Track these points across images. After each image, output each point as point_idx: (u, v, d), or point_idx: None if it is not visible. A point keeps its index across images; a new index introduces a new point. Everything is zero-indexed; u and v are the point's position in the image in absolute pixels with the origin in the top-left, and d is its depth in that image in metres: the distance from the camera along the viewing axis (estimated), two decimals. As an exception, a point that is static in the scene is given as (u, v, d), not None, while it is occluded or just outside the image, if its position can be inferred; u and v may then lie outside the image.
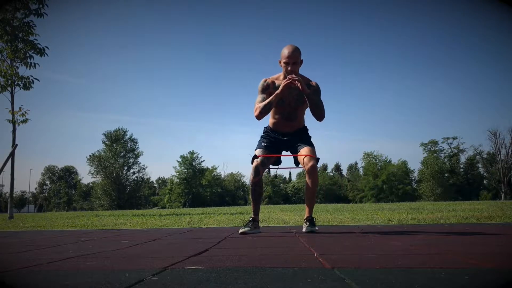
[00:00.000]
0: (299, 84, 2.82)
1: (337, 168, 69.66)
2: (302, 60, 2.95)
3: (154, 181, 73.92)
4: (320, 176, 58.41)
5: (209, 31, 78.90)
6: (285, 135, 3.13)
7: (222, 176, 62.75)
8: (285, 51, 2.90)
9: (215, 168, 58.90)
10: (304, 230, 3.01)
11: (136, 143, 54.35)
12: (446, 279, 1.13)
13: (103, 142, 53.86)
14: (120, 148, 52.94)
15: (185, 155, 56.99)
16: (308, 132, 3.21)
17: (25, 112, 10.19)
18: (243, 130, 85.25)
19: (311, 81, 3.04)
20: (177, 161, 57.30)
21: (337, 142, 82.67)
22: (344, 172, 68.13)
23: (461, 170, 53.69)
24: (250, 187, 3.06)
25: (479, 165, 53.97)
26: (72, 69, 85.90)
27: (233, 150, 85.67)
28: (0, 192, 65.03)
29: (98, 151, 53.70)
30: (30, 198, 70.84)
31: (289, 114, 3.06)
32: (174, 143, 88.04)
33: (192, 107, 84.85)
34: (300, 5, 72.79)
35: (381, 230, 3.19)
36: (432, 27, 67.93)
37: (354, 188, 57.33)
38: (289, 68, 2.88)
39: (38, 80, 10.42)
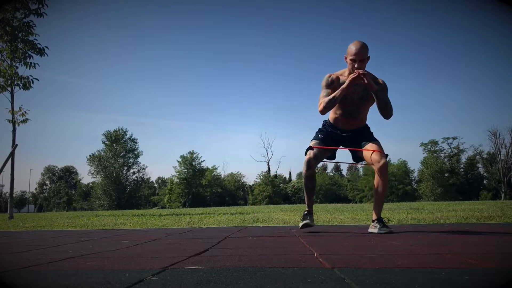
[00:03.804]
0: (365, 80, 2.73)
1: (337, 168, 69.67)
2: (369, 57, 2.84)
3: (154, 181, 74.00)
4: (320, 176, 58.85)
5: (209, 30, 78.91)
6: (344, 132, 3.04)
7: (222, 176, 62.73)
8: (353, 48, 2.81)
9: (215, 168, 58.94)
10: (376, 231, 2.85)
11: (136, 143, 54.49)
12: (446, 279, 1.13)
13: (103, 142, 53.97)
14: (120, 148, 52.99)
15: (185, 155, 57.01)
16: (370, 130, 3.11)
17: (25, 112, 10.23)
18: (243, 129, 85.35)
19: (378, 78, 2.93)
20: (177, 161, 57.37)
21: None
22: (344, 172, 68.13)
23: (461, 170, 53.63)
24: (303, 180, 2.99)
25: (479, 165, 53.95)
26: (72, 69, 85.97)
27: (233, 150, 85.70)
28: (0, 192, 65.10)
29: (98, 151, 53.89)
30: (30, 198, 70.83)
31: (351, 111, 2.96)
32: (174, 143, 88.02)
33: (192, 107, 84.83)
34: (301, 4, 72.80)
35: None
36: (432, 27, 67.94)
37: (354, 188, 57.29)
38: (355, 65, 2.79)
39: (38, 80, 10.45)
